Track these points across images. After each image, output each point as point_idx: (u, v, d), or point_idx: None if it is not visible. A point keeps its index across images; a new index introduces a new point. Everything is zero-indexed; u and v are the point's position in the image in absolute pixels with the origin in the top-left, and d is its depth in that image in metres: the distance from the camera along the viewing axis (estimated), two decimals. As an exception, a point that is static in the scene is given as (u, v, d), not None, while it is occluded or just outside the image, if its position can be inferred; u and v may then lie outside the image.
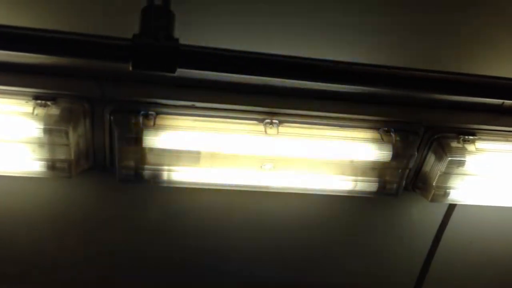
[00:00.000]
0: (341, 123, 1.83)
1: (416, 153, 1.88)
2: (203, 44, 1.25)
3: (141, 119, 1.70)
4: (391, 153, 1.84)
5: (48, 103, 1.64)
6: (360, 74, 1.48)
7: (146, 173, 1.79)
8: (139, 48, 1.14)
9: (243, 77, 1.65)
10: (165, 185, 1.84)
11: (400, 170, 1.90)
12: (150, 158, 1.76)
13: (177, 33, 1.21)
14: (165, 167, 1.80)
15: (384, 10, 1.65)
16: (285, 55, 1.32)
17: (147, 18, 1.17)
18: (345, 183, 1.91)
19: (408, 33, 1.69)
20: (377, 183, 1.92)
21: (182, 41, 1.21)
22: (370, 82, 1.55)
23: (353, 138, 1.83)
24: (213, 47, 1.27)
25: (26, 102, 1.64)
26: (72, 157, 1.71)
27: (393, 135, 1.84)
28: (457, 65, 1.75)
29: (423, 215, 2.20)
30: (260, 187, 1.90)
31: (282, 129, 1.78)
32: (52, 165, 1.72)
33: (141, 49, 1.14)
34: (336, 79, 1.46)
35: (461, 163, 1.87)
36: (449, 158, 1.85)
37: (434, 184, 1.93)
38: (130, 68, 1.16)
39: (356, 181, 1.91)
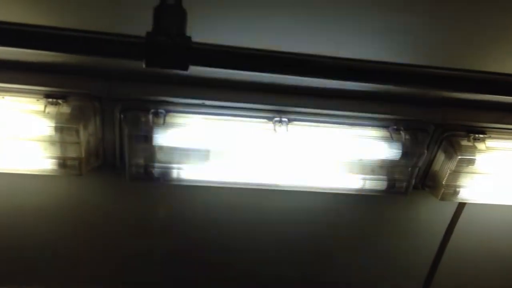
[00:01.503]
0: (350, 121, 1.83)
1: (426, 151, 1.87)
2: (215, 41, 1.25)
3: (151, 117, 1.70)
4: (400, 151, 1.84)
5: (59, 101, 1.65)
6: (368, 71, 1.47)
7: (156, 171, 1.80)
8: (152, 45, 1.14)
9: (252, 75, 1.65)
10: (174, 183, 1.84)
11: (409, 169, 1.89)
12: (159, 156, 1.77)
13: (189, 31, 1.22)
14: (175, 165, 1.80)
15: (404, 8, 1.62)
16: (296, 52, 1.32)
17: (159, 16, 1.17)
18: (354, 182, 1.91)
19: (427, 32, 1.65)
20: (386, 182, 1.92)
21: (194, 39, 1.21)
22: (378, 79, 1.53)
23: (363, 136, 1.83)
24: (225, 44, 1.27)
25: (38, 100, 1.65)
26: (83, 155, 1.72)
27: (402, 133, 1.84)
28: (482, 64, 1.71)
29: (432, 213, 2.20)
30: (269, 185, 1.90)
31: (291, 127, 1.78)
32: (63, 163, 1.73)
33: (155, 47, 1.15)
34: (346, 77, 1.46)
35: (471, 162, 1.87)
36: (459, 157, 1.85)
37: (443, 182, 1.93)
38: (144, 66, 1.17)
39: (365, 179, 1.91)
